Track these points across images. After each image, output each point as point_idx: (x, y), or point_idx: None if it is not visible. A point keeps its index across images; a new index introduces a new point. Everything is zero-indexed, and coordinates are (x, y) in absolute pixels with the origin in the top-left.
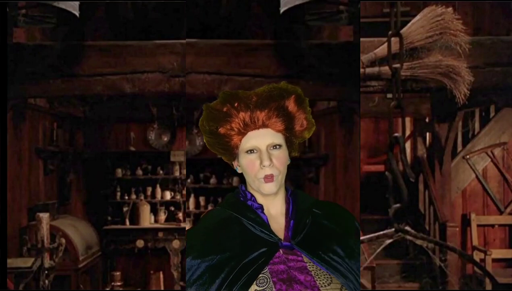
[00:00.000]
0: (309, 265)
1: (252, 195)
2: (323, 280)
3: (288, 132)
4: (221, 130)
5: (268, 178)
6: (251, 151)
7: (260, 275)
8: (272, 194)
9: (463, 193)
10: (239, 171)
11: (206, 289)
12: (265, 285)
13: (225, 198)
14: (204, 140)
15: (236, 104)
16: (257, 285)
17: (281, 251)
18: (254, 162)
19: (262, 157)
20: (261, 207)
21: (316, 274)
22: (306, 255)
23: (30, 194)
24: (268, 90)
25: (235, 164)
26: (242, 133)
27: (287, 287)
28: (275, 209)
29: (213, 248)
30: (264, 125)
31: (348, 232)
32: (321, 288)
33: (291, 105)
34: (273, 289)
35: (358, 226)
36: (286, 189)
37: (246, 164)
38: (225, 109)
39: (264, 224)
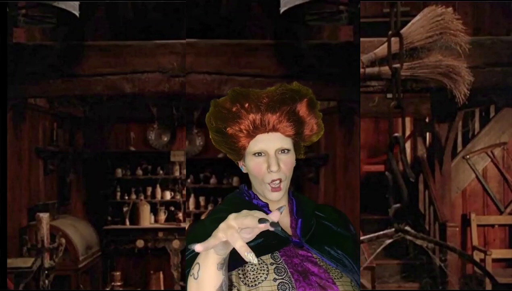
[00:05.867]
0: (319, 261)
1: (256, 195)
2: (334, 273)
3: (298, 137)
4: (229, 130)
5: (275, 188)
6: (258, 154)
7: (277, 265)
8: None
9: (463, 193)
10: (244, 171)
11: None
12: (284, 274)
13: (226, 199)
14: (210, 137)
15: (246, 105)
16: (275, 274)
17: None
18: (261, 165)
19: (270, 162)
20: (267, 205)
21: (327, 268)
22: (316, 252)
23: (30, 194)
24: (281, 92)
25: (240, 163)
26: (251, 135)
27: (304, 278)
28: None
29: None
30: (274, 129)
31: (349, 234)
32: (335, 280)
33: (302, 109)
34: (292, 279)
35: (353, 229)
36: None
37: (253, 166)
38: (234, 109)
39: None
